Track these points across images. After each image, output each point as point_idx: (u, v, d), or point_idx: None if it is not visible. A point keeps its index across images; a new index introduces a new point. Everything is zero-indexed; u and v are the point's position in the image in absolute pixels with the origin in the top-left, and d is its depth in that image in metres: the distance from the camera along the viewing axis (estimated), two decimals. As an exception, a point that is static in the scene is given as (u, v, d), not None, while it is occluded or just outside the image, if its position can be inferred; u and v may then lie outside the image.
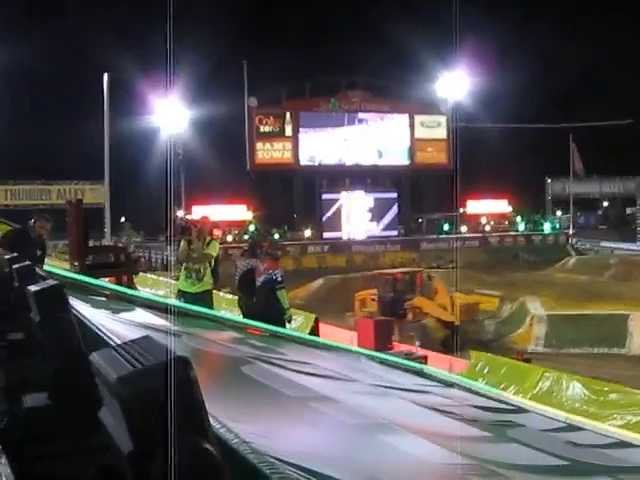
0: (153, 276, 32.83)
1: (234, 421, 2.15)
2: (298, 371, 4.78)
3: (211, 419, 1.26)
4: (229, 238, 52.53)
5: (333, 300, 33.66)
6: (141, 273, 29.44)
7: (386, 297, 26.93)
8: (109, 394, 1.23)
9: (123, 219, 69.40)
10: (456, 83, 60.32)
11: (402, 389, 5.75)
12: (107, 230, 37.92)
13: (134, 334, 4.56)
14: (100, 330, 3.73)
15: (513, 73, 60.41)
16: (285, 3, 74.70)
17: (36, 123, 63.98)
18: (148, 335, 1.37)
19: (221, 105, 54.86)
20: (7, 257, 6.80)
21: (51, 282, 2.94)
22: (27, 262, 5.00)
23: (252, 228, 56.83)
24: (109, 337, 3.54)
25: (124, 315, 6.08)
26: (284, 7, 74.65)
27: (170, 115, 50.67)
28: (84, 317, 3.93)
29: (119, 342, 3.37)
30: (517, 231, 64.82)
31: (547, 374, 13.65)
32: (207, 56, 55.35)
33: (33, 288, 2.80)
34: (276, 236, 56.30)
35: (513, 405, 7.47)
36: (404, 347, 18.59)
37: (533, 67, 62.89)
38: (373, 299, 27.68)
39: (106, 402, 1.29)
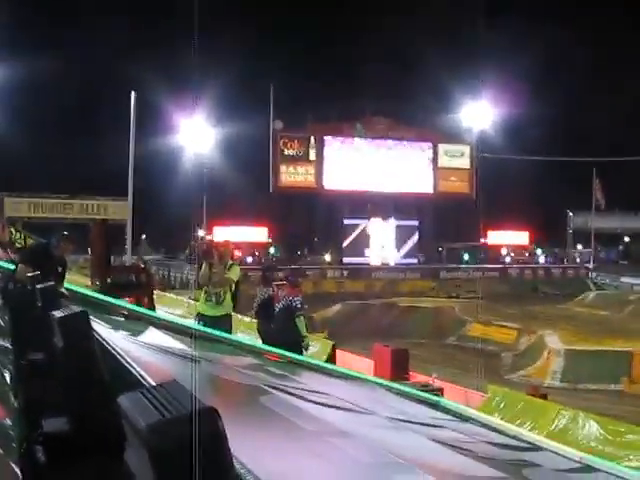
0: (172, 295, 32.89)
1: (252, 458, 2.15)
2: (315, 402, 4.78)
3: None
4: (249, 260, 52.62)
5: (350, 326, 33.59)
6: (159, 291, 29.60)
7: None
8: (136, 439, 1.24)
9: (144, 236, 69.74)
10: (481, 113, 60.43)
11: (418, 423, 5.74)
12: (128, 247, 37.95)
13: (155, 360, 4.58)
14: (120, 355, 3.75)
15: (538, 105, 60.37)
16: (314, 28, 74.92)
17: (61, 138, 64.44)
18: (175, 380, 1.38)
19: (246, 126, 55.07)
20: (30, 275, 6.87)
21: (76, 309, 2.95)
22: (50, 282, 5.03)
23: (272, 250, 56.92)
24: (129, 363, 3.55)
25: (144, 338, 6.09)
26: (313, 32, 74.91)
27: (195, 134, 50.91)
28: (105, 341, 3.94)
29: (139, 369, 3.39)
30: (537, 263, 64.63)
31: (563, 412, 13.53)
32: (233, 77, 55.75)
33: (58, 314, 2.80)
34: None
35: (529, 442, 7.43)
36: (421, 377, 18.50)
37: (558, 100, 62.69)
38: None
39: (131, 446, 1.30)
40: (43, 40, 59.94)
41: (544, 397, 17.31)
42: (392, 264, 60.49)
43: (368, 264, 59.81)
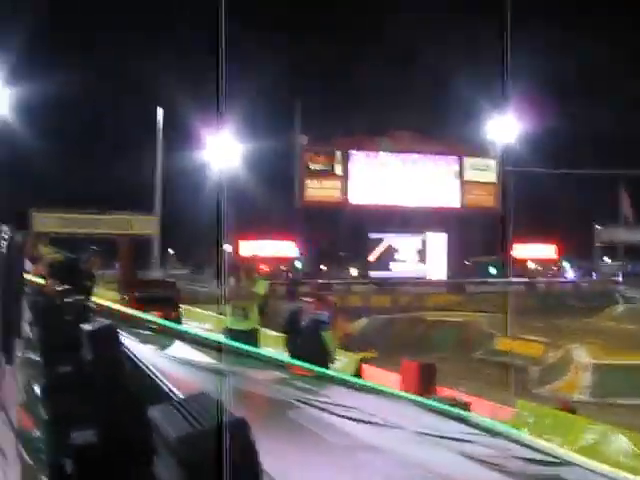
0: (198, 309, 32.95)
1: (281, 473, 2.14)
2: (343, 416, 4.76)
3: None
4: (275, 274, 52.67)
5: (377, 340, 33.49)
6: (186, 305, 29.68)
7: None
8: (167, 452, 1.24)
9: (171, 251, 70.00)
10: (506, 126, 60.24)
11: (447, 438, 5.69)
12: (155, 262, 38.17)
13: (183, 373, 4.59)
14: (148, 368, 3.75)
15: (564, 118, 60.19)
16: (340, 43, 75.11)
17: (89, 154, 64.91)
18: (204, 392, 1.38)
19: (272, 141, 55.29)
20: (59, 289, 6.90)
21: (104, 322, 2.97)
22: (79, 296, 5.06)
23: (298, 265, 56.97)
24: (157, 376, 3.56)
25: (171, 351, 6.10)
26: (339, 46, 75.10)
27: (221, 150, 51.06)
28: (133, 354, 3.95)
29: (167, 382, 3.40)
30: (564, 277, 64.30)
31: (593, 427, 13.40)
32: (259, 92, 55.92)
33: (87, 328, 2.82)
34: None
35: (558, 458, 7.36)
36: (448, 392, 18.41)
37: (586, 112, 62.44)
38: None
39: (161, 457, 1.29)
40: (72, 57, 60.50)
41: (573, 412, 17.17)
42: (418, 278, 60.33)
43: (394, 278, 59.68)
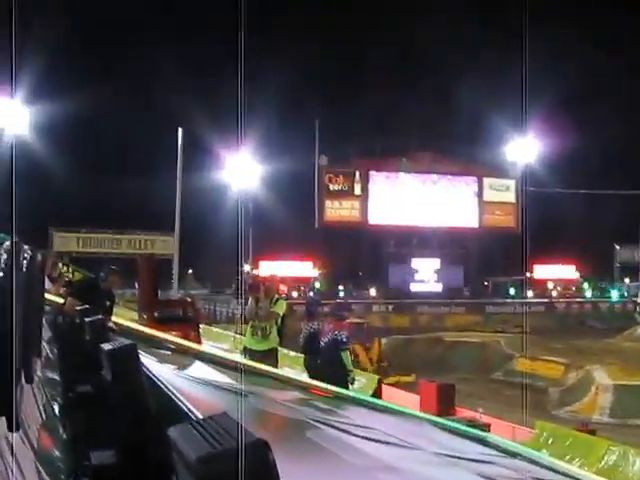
0: (218, 329, 32.98)
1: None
2: (362, 437, 4.75)
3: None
4: (294, 294, 52.72)
5: (397, 361, 33.39)
6: (205, 325, 29.71)
7: None
8: (186, 472, 1.24)
9: (190, 271, 70.17)
10: (526, 147, 60.17)
11: (466, 459, 5.67)
12: (174, 281, 38.23)
13: (202, 393, 4.59)
14: (168, 388, 3.75)
15: (584, 138, 60.04)
16: (360, 64, 75.45)
17: (109, 174, 65.26)
18: (225, 412, 1.38)
19: (291, 162, 55.42)
20: (79, 308, 6.94)
21: (125, 342, 2.97)
22: (99, 316, 5.08)
23: (317, 285, 56.96)
24: (177, 396, 3.56)
25: (190, 371, 6.11)
26: (358, 67, 75.45)
27: (241, 170, 51.18)
28: (152, 374, 3.95)
29: (187, 402, 3.40)
30: (584, 297, 64.03)
31: (613, 448, 13.29)
32: (279, 113, 56.18)
33: (107, 347, 2.82)
34: (341, 294, 56.39)
35: (578, 479, 7.31)
36: (467, 413, 18.33)
37: (605, 132, 62.39)
38: None
39: (181, 478, 1.29)
40: (93, 76, 60.96)
41: (593, 433, 17.05)
42: (437, 299, 60.20)
43: (414, 298, 59.56)
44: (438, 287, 61.85)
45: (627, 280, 68.80)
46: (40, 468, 2.52)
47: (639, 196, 60.63)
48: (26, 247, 2.95)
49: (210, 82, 65.06)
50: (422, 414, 10.19)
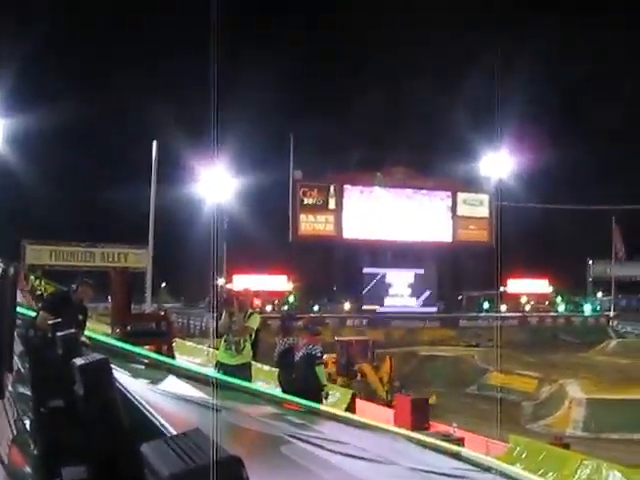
0: (191, 343, 32.85)
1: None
2: (337, 452, 4.73)
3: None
4: (268, 308, 52.64)
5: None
6: (179, 339, 29.56)
7: (341, 360, 30.62)
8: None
9: (164, 285, 69.92)
10: (499, 162, 60.54)
11: (440, 473, 5.67)
12: (148, 295, 38.02)
13: (175, 408, 4.56)
14: (141, 403, 3.73)
15: (557, 154, 60.41)
16: (333, 79, 75.68)
17: (82, 186, 65.01)
18: (198, 428, 1.37)
19: (266, 176, 55.40)
20: (51, 322, 6.88)
21: (97, 356, 2.95)
22: (71, 330, 5.03)
23: (291, 299, 56.86)
24: (150, 411, 3.53)
25: (163, 386, 6.07)
26: (332, 82, 75.63)
27: (215, 184, 51.06)
28: (125, 389, 3.93)
29: (160, 417, 3.37)
30: (557, 312, 64.35)
31: (586, 462, 13.31)
32: (254, 127, 56.12)
33: (79, 361, 2.79)
34: (315, 308, 56.33)
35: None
36: (441, 427, 18.34)
37: (578, 148, 62.80)
38: (333, 362, 30.06)
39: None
40: (63, 89, 60.69)
41: (566, 447, 17.10)
42: (411, 313, 60.27)
43: (388, 312, 59.61)
44: (412, 301, 61.93)
45: (600, 294, 69.25)
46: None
47: (611, 211, 61.17)
48: (-2, 260, 2.92)
49: (184, 95, 64.98)
50: (396, 429, 10.18)
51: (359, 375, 29.66)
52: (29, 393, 4.06)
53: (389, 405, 24.38)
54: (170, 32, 71.54)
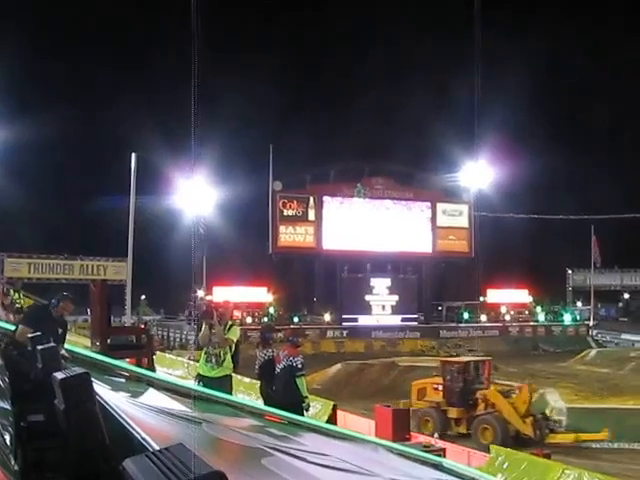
0: (171, 356, 32.72)
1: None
2: (317, 463, 4.72)
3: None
4: (248, 320, 52.56)
5: (351, 386, 33.40)
6: (159, 352, 29.43)
7: (455, 386, 25.58)
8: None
9: (143, 297, 69.67)
10: (479, 173, 60.75)
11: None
12: (128, 307, 37.91)
13: (156, 421, 4.54)
14: (121, 417, 3.71)
15: (536, 164, 60.74)
16: (313, 90, 75.82)
17: (61, 198, 64.79)
18: (181, 443, 1.36)
19: (245, 187, 55.38)
20: (30, 336, 6.84)
21: (78, 370, 2.94)
22: (51, 343, 5.01)
23: (272, 311, 56.75)
24: (130, 425, 3.51)
25: (144, 399, 6.04)
26: (311, 93, 75.79)
27: (195, 196, 50.96)
28: (106, 402, 3.90)
29: (141, 431, 3.35)
30: (537, 321, 64.54)
31: (568, 471, 13.36)
32: (233, 138, 56.08)
33: (60, 375, 2.78)
34: (295, 319, 56.24)
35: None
36: (422, 438, 18.34)
37: (557, 159, 63.16)
38: (435, 388, 26.01)
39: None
40: (43, 101, 60.51)
41: (548, 456, 17.14)
42: (391, 324, 60.27)
43: (368, 324, 59.59)
44: (392, 313, 61.89)
45: (579, 304, 69.57)
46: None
47: (590, 221, 61.41)
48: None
49: (163, 106, 64.94)
50: (378, 440, 10.18)
51: (483, 405, 24.75)
52: (9, 407, 4.03)
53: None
54: (151, 44, 71.64)
